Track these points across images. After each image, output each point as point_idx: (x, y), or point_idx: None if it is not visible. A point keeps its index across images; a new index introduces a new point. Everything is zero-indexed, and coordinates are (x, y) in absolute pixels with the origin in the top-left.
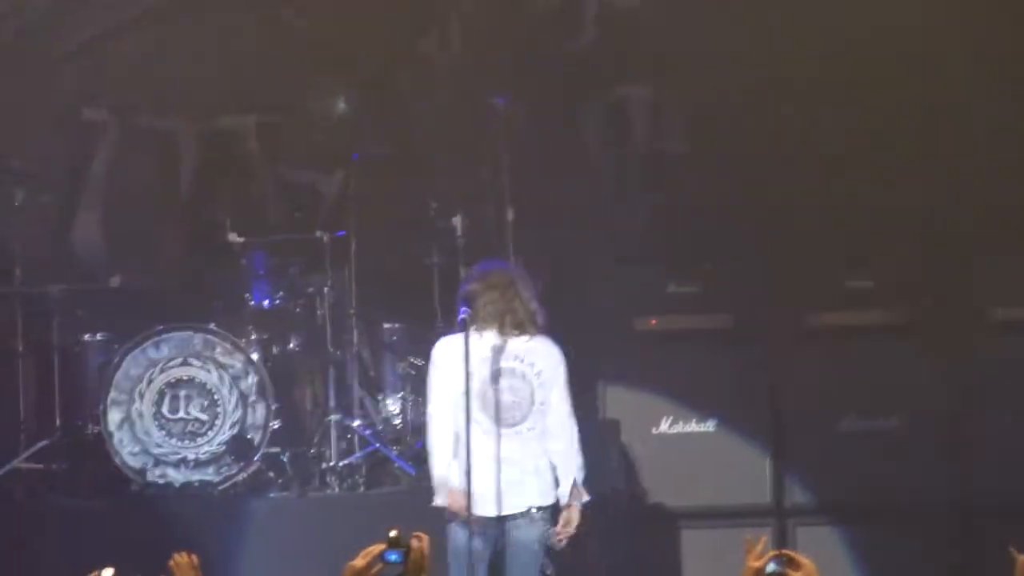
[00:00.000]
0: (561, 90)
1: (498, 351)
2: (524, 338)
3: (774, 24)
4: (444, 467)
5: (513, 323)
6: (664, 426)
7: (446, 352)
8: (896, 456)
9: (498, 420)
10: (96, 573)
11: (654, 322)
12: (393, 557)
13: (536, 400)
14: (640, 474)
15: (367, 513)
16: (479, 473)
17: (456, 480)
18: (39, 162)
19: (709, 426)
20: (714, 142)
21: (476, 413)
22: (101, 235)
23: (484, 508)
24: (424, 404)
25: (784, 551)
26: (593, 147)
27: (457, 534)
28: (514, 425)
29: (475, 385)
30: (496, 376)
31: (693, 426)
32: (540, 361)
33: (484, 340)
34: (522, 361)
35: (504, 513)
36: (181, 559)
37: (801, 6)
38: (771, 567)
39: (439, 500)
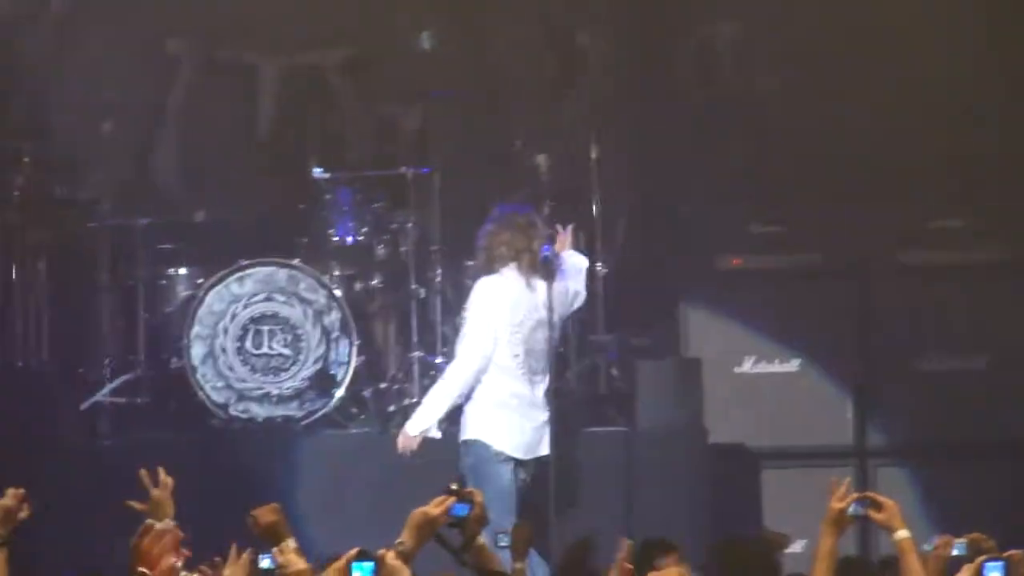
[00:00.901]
0: (649, 25)
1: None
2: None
3: None
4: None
5: (530, 263)
6: (747, 365)
7: (489, 293)
8: (982, 396)
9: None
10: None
11: (737, 261)
12: (462, 511)
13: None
14: (721, 413)
15: (445, 450)
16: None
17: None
18: (126, 96)
19: (792, 366)
20: (803, 79)
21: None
22: (181, 169)
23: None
24: None
25: (867, 493)
26: (680, 84)
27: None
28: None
29: (519, 332)
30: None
31: (776, 366)
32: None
33: (509, 282)
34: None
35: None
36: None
37: None
38: (854, 508)
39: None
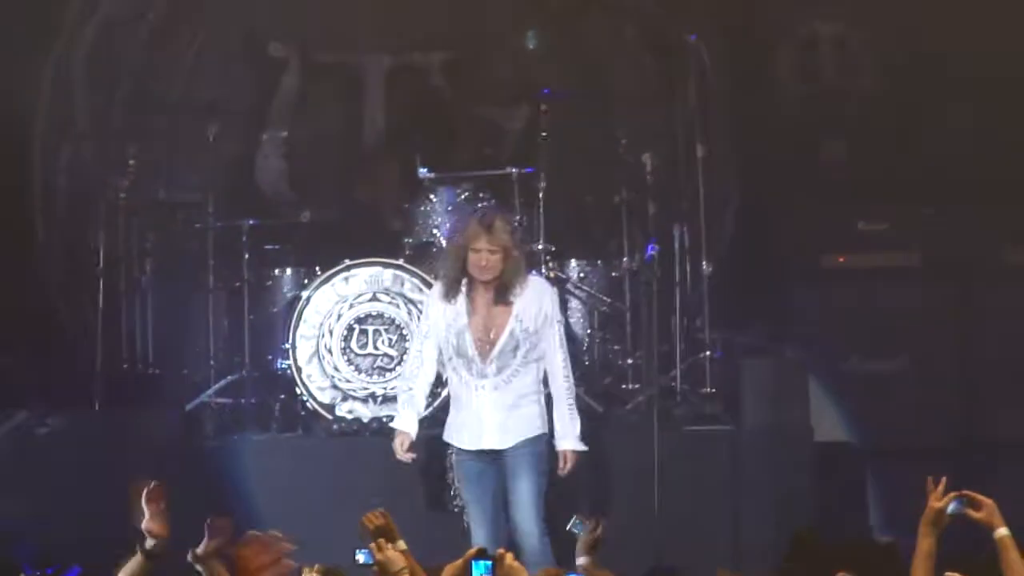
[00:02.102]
0: (752, 26)
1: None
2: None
3: None
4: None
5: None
6: (852, 363)
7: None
8: None
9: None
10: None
11: (842, 259)
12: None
13: None
14: (826, 411)
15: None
16: None
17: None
18: (228, 98)
19: (898, 363)
20: (906, 79)
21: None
22: (286, 170)
23: None
24: (611, 342)
25: (964, 492)
26: (784, 83)
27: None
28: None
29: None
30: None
31: (882, 363)
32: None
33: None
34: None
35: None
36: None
37: None
38: (952, 507)
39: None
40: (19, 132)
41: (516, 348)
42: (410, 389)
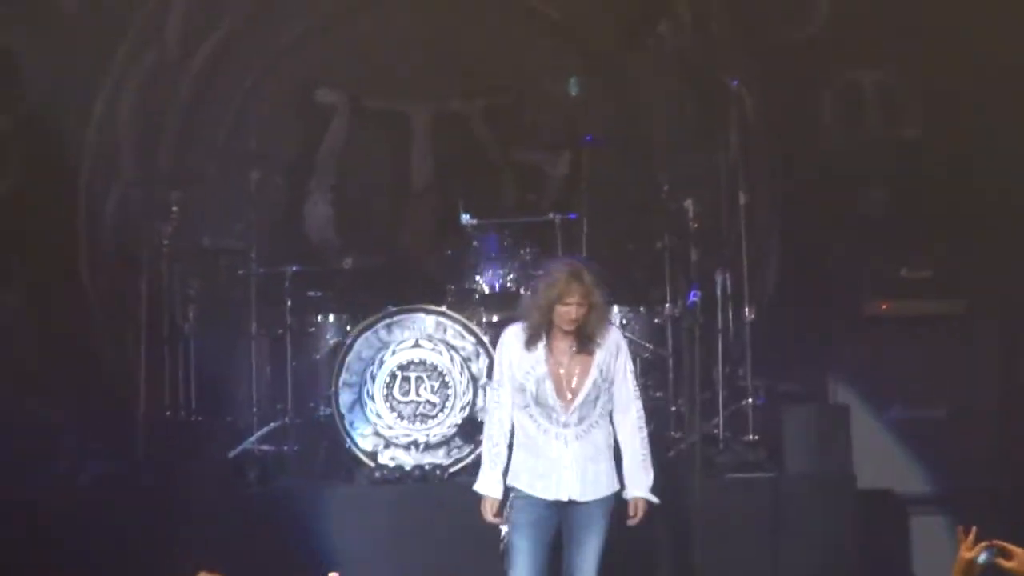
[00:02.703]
0: (795, 72)
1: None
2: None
3: (1008, 4)
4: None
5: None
6: (895, 411)
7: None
8: None
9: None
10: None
11: (885, 306)
12: None
13: None
14: (870, 458)
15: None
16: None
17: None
18: (274, 144)
19: (940, 412)
20: (949, 125)
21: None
22: (333, 216)
23: None
24: (654, 388)
25: (995, 542)
26: (827, 130)
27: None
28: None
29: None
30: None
31: (924, 411)
32: None
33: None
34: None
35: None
36: None
37: None
38: (983, 557)
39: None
40: (69, 175)
41: (597, 398)
42: (496, 445)
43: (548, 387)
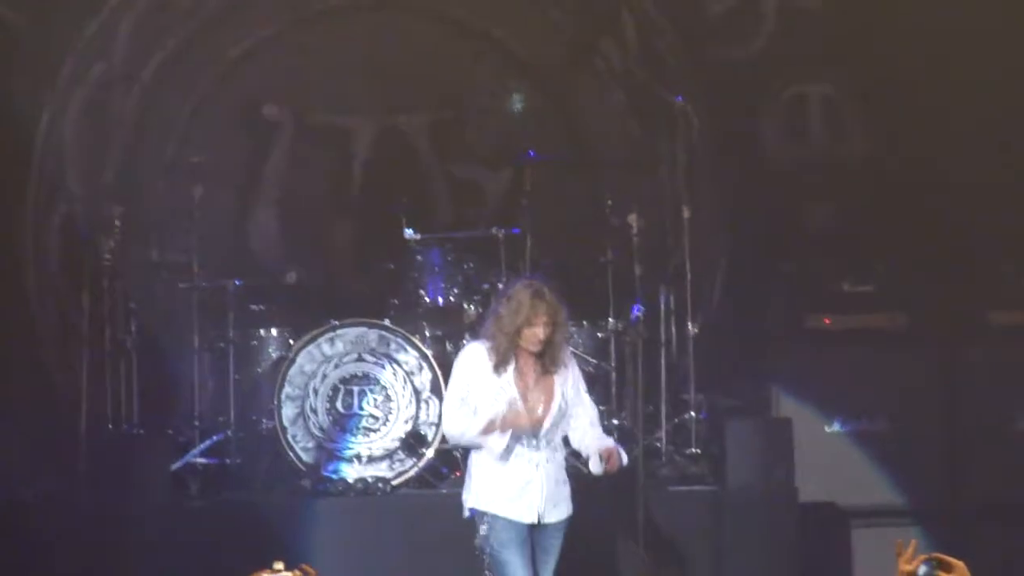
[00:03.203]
0: (739, 88)
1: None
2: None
3: (955, 22)
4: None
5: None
6: (837, 425)
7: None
8: None
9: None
10: (268, 566)
11: (828, 321)
12: None
13: None
14: (812, 471)
15: None
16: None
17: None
18: (217, 159)
19: (882, 425)
20: (892, 140)
21: None
22: (277, 231)
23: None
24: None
25: (935, 555)
26: (770, 146)
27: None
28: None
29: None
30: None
31: (866, 425)
32: None
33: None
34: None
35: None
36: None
37: (983, 4)
38: (923, 570)
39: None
40: (15, 190)
41: (562, 419)
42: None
43: (520, 410)
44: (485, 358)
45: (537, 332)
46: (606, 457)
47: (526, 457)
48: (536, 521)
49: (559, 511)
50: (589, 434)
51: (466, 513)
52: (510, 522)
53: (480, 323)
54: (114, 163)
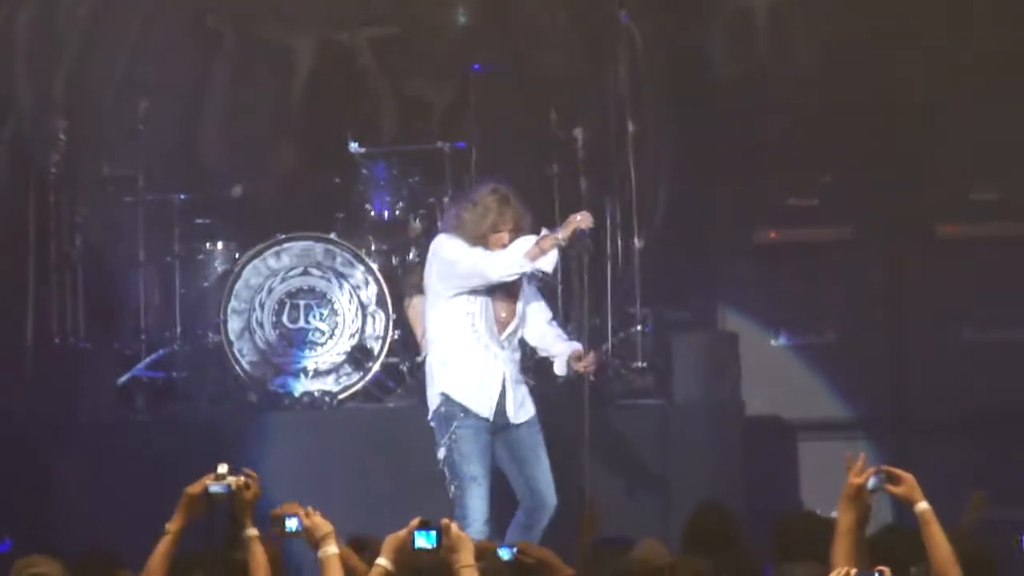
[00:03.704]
0: (684, 2)
1: None
2: None
3: None
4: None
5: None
6: (783, 339)
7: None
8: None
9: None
10: (213, 469)
11: (774, 234)
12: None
13: None
14: (758, 385)
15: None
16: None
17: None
18: (162, 72)
19: (828, 338)
20: (838, 53)
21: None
22: (222, 145)
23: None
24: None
25: (884, 467)
26: (717, 60)
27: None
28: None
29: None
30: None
31: (812, 338)
32: None
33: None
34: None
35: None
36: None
37: None
38: (872, 482)
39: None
40: None
41: (523, 321)
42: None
43: (492, 309)
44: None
45: (503, 238)
46: (577, 357)
47: (491, 357)
48: (507, 421)
49: (525, 410)
50: (549, 333)
51: (429, 416)
52: (475, 427)
53: (430, 233)
54: (63, 76)
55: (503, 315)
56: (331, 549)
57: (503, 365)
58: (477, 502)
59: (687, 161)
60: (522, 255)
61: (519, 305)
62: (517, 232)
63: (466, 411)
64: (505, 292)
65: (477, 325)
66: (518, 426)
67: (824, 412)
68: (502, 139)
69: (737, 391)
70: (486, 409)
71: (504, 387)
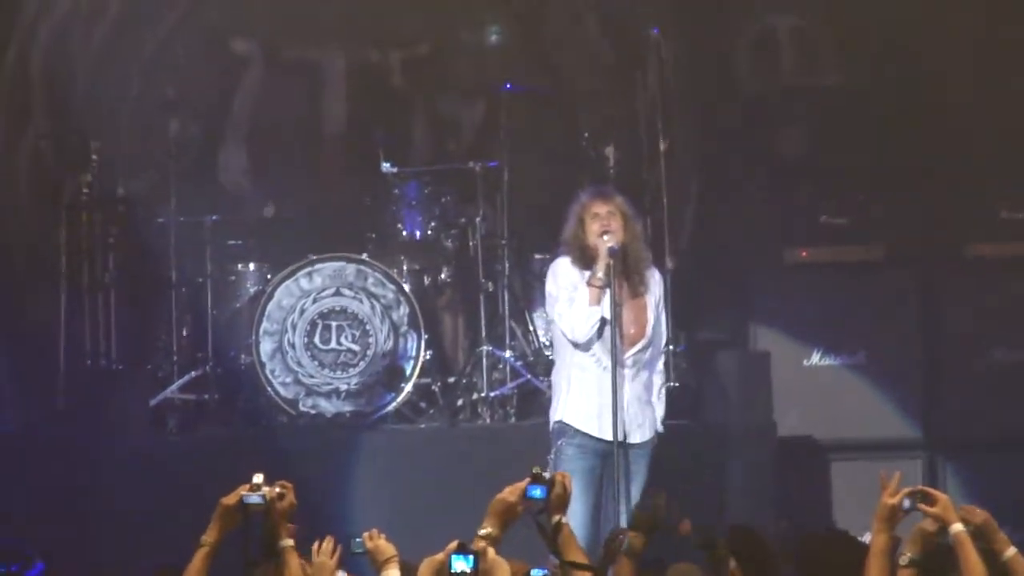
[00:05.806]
0: (712, 19)
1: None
2: None
3: None
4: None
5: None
6: (815, 358)
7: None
8: None
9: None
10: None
11: (805, 253)
12: (537, 492)
13: None
14: (790, 405)
15: (517, 443)
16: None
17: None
18: (192, 94)
19: (860, 358)
20: (866, 71)
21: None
22: (249, 165)
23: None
24: None
25: (919, 487)
26: (744, 78)
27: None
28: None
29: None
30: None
31: (844, 358)
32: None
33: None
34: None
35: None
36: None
37: None
38: (906, 503)
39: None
40: None
41: (650, 344)
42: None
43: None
44: (572, 267)
45: (602, 221)
46: None
47: (608, 379)
48: (622, 442)
49: (643, 432)
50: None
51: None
52: (581, 446)
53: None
54: (86, 99)
55: (632, 330)
56: (393, 573)
57: (624, 386)
58: (572, 521)
59: (716, 179)
60: (588, 306)
61: (649, 318)
62: (621, 218)
63: (576, 431)
64: (634, 304)
65: (596, 347)
66: (632, 446)
67: (856, 432)
68: (534, 158)
69: (769, 410)
70: (595, 428)
71: (619, 408)
